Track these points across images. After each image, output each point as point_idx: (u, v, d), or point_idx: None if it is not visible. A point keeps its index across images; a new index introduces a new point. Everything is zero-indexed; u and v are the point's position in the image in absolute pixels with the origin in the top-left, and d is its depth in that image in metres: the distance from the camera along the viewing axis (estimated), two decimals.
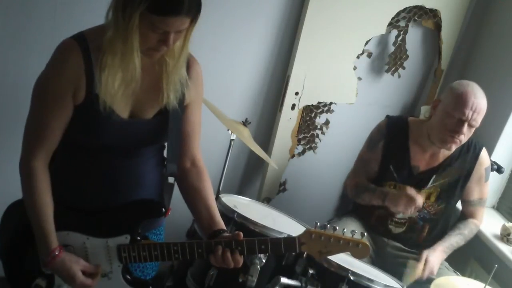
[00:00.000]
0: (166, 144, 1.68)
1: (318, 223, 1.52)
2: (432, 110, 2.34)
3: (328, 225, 1.51)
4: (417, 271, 2.26)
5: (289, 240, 1.52)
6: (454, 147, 2.30)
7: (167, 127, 1.57)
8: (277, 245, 1.51)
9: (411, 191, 2.27)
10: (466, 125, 2.21)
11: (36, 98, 1.51)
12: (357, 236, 1.51)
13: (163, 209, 1.61)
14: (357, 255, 1.51)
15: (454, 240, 2.40)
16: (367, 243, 1.50)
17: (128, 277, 1.62)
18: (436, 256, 2.31)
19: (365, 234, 1.53)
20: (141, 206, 1.61)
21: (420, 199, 2.26)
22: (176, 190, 1.71)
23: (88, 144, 1.55)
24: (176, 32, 1.41)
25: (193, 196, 1.66)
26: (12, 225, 1.65)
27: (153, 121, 1.57)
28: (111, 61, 1.43)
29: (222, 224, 1.61)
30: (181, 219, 2.62)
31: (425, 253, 2.30)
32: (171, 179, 1.66)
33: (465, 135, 2.25)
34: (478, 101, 2.20)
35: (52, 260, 1.50)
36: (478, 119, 2.22)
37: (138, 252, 1.56)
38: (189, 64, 1.58)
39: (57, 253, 1.51)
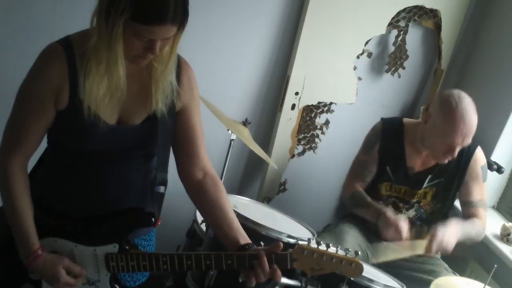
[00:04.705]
0: (156, 153, 1.63)
1: (311, 239, 1.49)
2: (423, 123, 2.29)
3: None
4: (420, 245, 2.19)
5: (281, 255, 1.47)
6: (447, 160, 2.29)
7: (155, 134, 1.55)
8: (268, 259, 1.46)
9: (403, 225, 2.24)
10: (457, 147, 2.20)
11: (17, 100, 1.49)
12: (350, 254, 1.47)
13: (153, 219, 1.58)
14: (350, 273, 1.47)
15: (467, 227, 2.30)
16: (361, 262, 1.47)
17: (116, 286, 1.60)
18: (448, 229, 2.21)
19: (359, 252, 1.50)
20: (130, 215, 1.58)
21: (408, 238, 2.24)
22: (168, 198, 1.68)
23: (75, 150, 1.53)
24: (162, 40, 1.38)
25: (212, 209, 1.59)
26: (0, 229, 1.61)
27: (141, 127, 1.54)
28: (96, 69, 1.40)
29: (247, 238, 1.55)
30: (177, 221, 2.63)
31: (437, 229, 2.21)
32: (161, 189, 1.62)
33: (458, 152, 2.24)
34: (468, 125, 2.15)
35: (34, 261, 1.48)
36: (469, 139, 2.19)
37: (126, 261, 1.54)
38: (181, 69, 1.55)
39: (40, 253, 1.49)
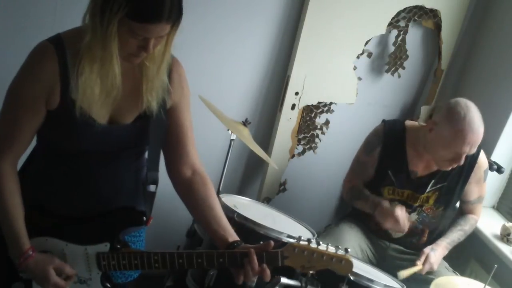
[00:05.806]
0: (146, 150, 1.63)
1: (302, 237, 1.50)
2: (427, 132, 2.27)
3: (313, 240, 1.49)
4: (417, 266, 2.25)
5: (272, 253, 1.48)
6: (451, 168, 2.31)
7: (147, 132, 1.54)
8: (260, 258, 1.47)
9: (401, 213, 2.26)
10: (464, 156, 2.21)
11: (7, 101, 1.48)
12: (341, 251, 1.48)
13: (144, 218, 1.58)
14: (341, 270, 1.48)
15: (456, 236, 2.40)
16: (351, 259, 1.48)
17: (108, 285, 1.60)
18: (437, 252, 2.31)
19: (349, 250, 1.50)
20: (122, 214, 1.58)
21: (406, 226, 2.28)
22: (163, 197, 1.68)
23: (66, 149, 1.52)
24: (156, 38, 1.38)
25: (200, 207, 1.60)
26: None
27: (133, 126, 1.54)
28: (89, 68, 1.38)
29: (235, 235, 1.56)
30: (178, 221, 2.62)
31: (427, 249, 2.30)
32: (152, 188, 1.61)
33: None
34: (475, 134, 2.16)
35: (24, 262, 1.47)
36: (475, 148, 2.21)
37: (117, 260, 1.53)
38: (171, 67, 1.54)
39: (30, 253, 1.47)
